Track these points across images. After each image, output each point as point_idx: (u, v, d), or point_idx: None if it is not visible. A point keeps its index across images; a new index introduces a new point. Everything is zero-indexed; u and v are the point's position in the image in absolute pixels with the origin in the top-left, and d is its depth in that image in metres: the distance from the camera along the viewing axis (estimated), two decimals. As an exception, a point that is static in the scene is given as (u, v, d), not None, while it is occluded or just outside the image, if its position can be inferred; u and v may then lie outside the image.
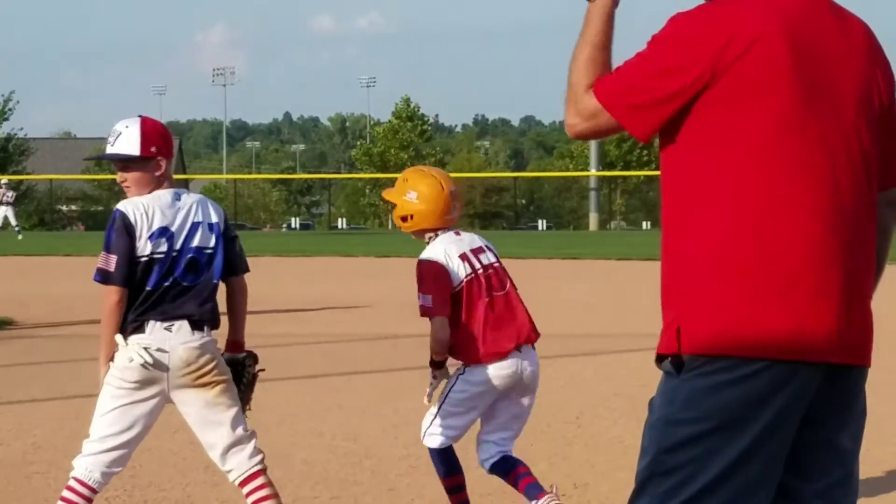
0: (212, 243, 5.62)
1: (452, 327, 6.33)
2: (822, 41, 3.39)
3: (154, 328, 5.41)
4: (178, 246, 5.52)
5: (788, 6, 3.40)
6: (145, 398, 5.44)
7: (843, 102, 3.37)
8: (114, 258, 5.46)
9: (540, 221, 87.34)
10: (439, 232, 6.52)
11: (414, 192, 6.50)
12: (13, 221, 48.30)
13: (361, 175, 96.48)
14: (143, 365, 5.33)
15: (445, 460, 6.43)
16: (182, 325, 5.43)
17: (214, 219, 5.68)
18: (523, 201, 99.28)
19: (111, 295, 5.44)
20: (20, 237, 45.99)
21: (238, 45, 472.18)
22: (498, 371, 6.30)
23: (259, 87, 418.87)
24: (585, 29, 3.50)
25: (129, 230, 5.46)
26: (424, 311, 6.34)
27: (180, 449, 7.75)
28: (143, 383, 5.40)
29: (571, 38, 3.51)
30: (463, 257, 6.41)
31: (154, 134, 5.62)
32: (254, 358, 5.80)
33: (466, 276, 6.37)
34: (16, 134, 78.24)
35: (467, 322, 6.33)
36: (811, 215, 3.28)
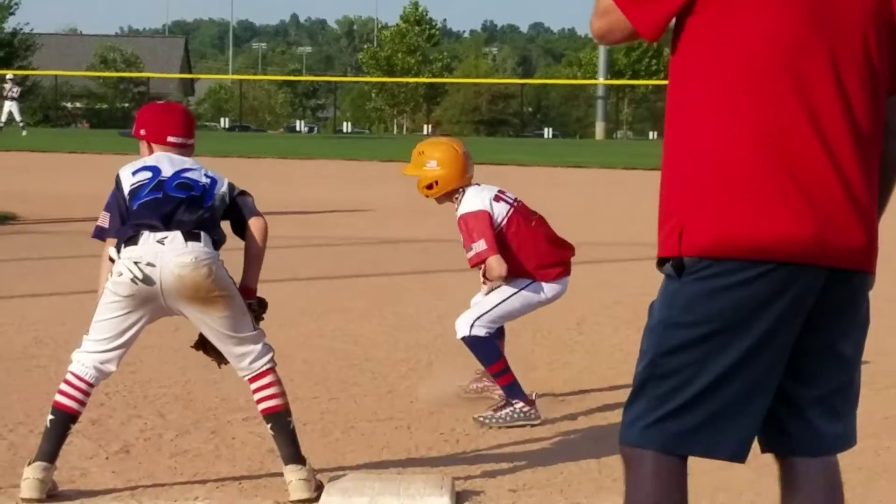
0: (206, 181, 5.56)
1: (517, 253, 6.95)
2: None
3: (147, 240, 5.31)
4: (165, 175, 5.50)
5: None
6: (138, 310, 5.38)
7: (852, 7, 3.32)
8: (108, 215, 5.57)
9: (546, 129, 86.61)
10: (464, 189, 7.06)
11: (432, 160, 7.10)
12: (18, 117, 48.18)
13: (368, 79, 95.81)
14: (132, 280, 5.29)
15: (491, 347, 6.95)
16: (175, 237, 5.30)
17: (213, 178, 5.62)
18: (530, 109, 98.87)
19: (108, 247, 5.51)
20: (24, 133, 45.87)
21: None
22: (563, 287, 7.10)
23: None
24: None
25: (118, 183, 5.58)
26: (479, 257, 6.86)
27: (181, 346, 7.76)
28: (137, 297, 5.33)
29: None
30: (497, 198, 7.08)
31: (144, 120, 5.86)
32: (263, 305, 5.68)
33: (508, 212, 7.05)
34: (21, 29, 77.88)
35: (530, 244, 7.01)
36: (814, 122, 3.26)
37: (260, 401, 5.47)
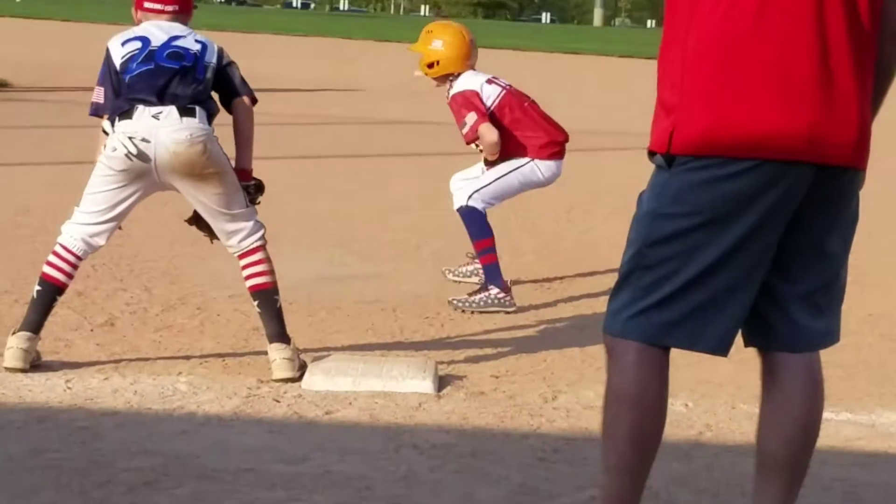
0: (196, 48, 5.45)
1: (512, 132, 7.08)
2: None
3: (142, 115, 5.26)
4: (155, 45, 5.41)
5: None
6: (132, 185, 5.36)
7: None
8: (101, 89, 5.47)
9: (544, 14, 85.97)
10: (460, 74, 7.22)
11: (439, 40, 7.18)
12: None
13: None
14: (126, 155, 5.24)
15: (484, 222, 7.04)
16: (170, 113, 5.25)
17: (203, 43, 5.52)
18: None
19: (104, 123, 5.45)
20: None
21: None
22: (559, 169, 7.23)
23: None
24: None
25: (107, 56, 5.49)
26: (472, 129, 6.98)
27: (169, 221, 7.77)
28: (131, 172, 5.30)
29: None
30: (489, 81, 7.20)
31: None
32: (260, 188, 5.66)
33: (500, 92, 7.17)
34: None
35: (525, 122, 7.14)
36: (816, 19, 3.22)
37: (248, 277, 5.47)
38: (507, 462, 4.59)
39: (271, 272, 5.49)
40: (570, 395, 5.40)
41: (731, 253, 3.29)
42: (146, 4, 5.61)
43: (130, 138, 5.20)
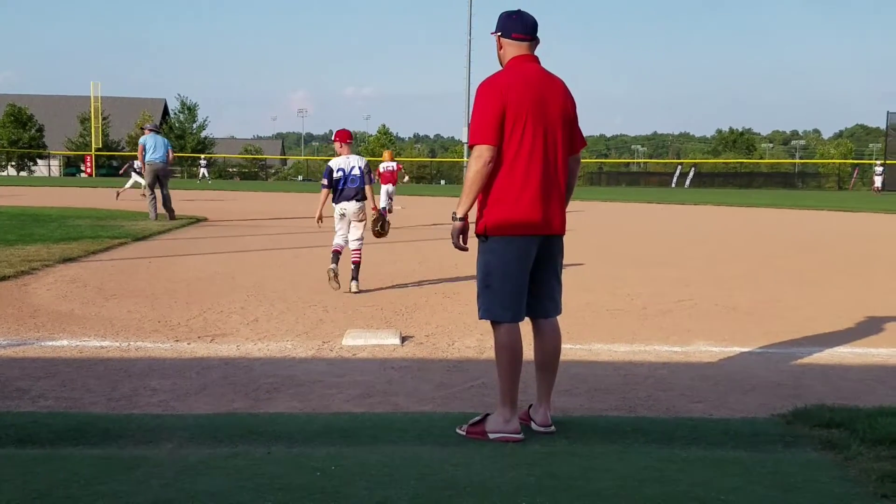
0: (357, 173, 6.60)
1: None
2: (546, 88, 3.34)
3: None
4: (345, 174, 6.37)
5: (530, 73, 3.35)
6: (342, 221, 6.74)
7: (555, 115, 3.33)
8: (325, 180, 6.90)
9: (442, 181, 78.73)
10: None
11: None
12: (207, 176, 46.35)
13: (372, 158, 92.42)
14: (339, 215, 6.71)
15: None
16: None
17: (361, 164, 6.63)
18: (437, 172, 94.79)
19: (323, 193, 6.89)
20: (210, 182, 43.69)
21: None
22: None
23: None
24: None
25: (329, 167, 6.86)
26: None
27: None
28: (342, 217, 6.81)
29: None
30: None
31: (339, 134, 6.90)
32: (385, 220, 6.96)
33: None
34: (206, 136, 74.40)
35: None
36: (541, 169, 3.27)
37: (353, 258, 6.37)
38: (432, 372, 4.53)
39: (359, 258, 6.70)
40: (459, 342, 5.32)
41: (513, 272, 3.28)
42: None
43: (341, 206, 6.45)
